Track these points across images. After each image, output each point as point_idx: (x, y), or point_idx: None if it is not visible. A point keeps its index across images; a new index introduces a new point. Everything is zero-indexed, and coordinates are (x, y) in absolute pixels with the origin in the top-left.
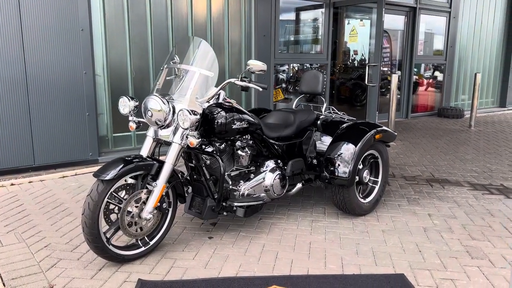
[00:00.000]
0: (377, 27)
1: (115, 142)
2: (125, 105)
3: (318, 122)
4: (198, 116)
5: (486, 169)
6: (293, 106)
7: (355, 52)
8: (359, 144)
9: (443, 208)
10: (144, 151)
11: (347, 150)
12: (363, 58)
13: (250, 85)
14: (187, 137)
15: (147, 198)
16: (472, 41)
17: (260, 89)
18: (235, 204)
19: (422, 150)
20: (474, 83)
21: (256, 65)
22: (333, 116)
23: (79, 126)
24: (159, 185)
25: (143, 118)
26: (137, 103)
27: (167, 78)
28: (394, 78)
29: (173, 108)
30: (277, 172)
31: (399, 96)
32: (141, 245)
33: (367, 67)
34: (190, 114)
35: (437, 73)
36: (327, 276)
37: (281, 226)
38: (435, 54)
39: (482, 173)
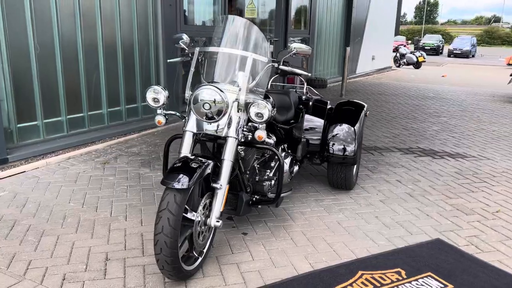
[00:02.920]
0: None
1: (20, 135)
2: (159, 95)
3: (310, 103)
4: (275, 108)
5: (391, 134)
6: (268, 87)
7: None
8: (357, 124)
9: (401, 173)
10: (186, 149)
11: (349, 129)
12: None
13: (296, 70)
14: (243, 130)
15: (210, 203)
16: (324, 19)
17: (307, 74)
18: (270, 195)
19: None
20: (344, 56)
21: (301, 48)
22: (312, 96)
23: None
24: (224, 186)
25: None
26: (168, 94)
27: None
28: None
29: None
30: (289, 157)
31: None
32: (197, 255)
33: (269, 42)
34: (271, 106)
35: None
36: (396, 251)
37: (295, 210)
38: (302, 29)
39: (394, 138)
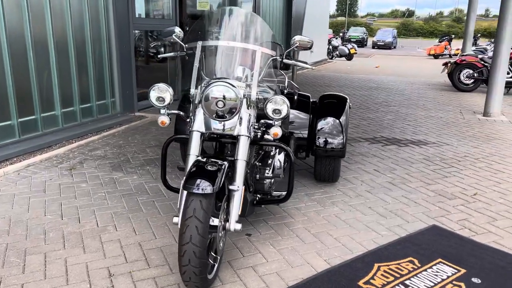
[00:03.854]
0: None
1: None
2: (165, 94)
3: (295, 97)
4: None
5: (351, 124)
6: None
7: None
8: (344, 116)
9: (376, 163)
10: (195, 150)
11: (336, 122)
12: None
13: (299, 63)
14: (254, 128)
15: (227, 206)
16: (267, 12)
17: (311, 67)
18: (274, 193)
19: None
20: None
21: (303, 41)
22: (295, 90)
23: None
24: (241, 187)
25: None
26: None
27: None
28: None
29: None
30: (283, 152)
31: None
32: (212, 262)
33: None
34: (288, 102)
35: None
36: (401, 240)
37: (290, 206)
38: None
39: (356, 129)
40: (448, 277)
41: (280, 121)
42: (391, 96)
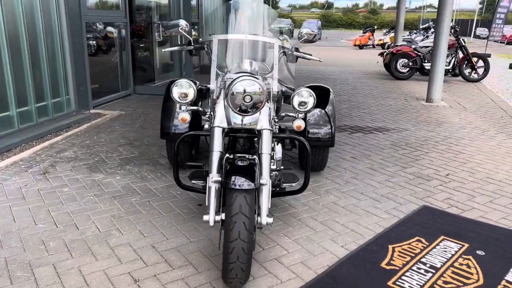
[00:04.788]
0: None
1: None
2: (189, 90)
3: (283, 89)
4: None
5: None
6: None
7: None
8: (331, 107)
9: (350, 150)
10: (219, 146)
11: (325, 113)
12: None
13: (307, 56)
14: (275, 121)
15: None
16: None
17: (318, 60)
18: (285, 185)
19: None
20: None
21: (310, 34)
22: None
23: None
24: (269, 181)
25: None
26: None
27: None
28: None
29: None
30: (280, 143)
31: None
32: None
33: None
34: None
35: None
36: (402, 222)
37: (288, 197)
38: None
39: None
40: (456, 252)
41: (303, 114)
42: (338, 86)
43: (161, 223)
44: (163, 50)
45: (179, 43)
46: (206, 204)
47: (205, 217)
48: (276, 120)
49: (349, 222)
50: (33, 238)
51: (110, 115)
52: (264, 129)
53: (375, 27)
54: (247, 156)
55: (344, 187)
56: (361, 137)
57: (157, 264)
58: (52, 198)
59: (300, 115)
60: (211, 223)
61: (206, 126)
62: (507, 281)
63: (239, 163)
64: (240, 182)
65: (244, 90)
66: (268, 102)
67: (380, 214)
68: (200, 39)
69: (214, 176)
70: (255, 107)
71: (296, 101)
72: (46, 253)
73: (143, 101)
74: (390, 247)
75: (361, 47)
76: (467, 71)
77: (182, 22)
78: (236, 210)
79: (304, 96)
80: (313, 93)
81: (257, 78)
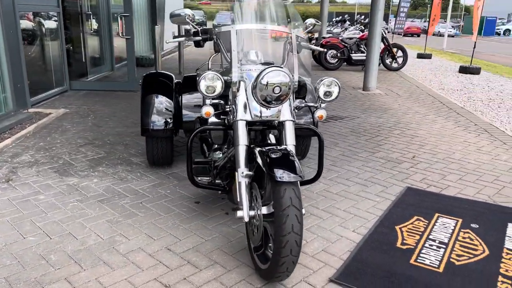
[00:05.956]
0: None
1: None
2: (216, 83)
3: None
4: None
5: None
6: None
7: None
8: (310, 96)
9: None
10: (245, 139)
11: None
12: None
13: (312, 46)
14: (295, 111)
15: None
16: None
17: (322, 50)
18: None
19: None
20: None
21: (317, 24)
22: None
23: None
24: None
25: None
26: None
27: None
28: (157, 30)
29: None
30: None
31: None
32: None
33: (119, 18)
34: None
35: None
36: (396, 203)
37: None
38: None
39: None
40: (455, 227)
41: (325, 104)
42: None
43: (166, 225)
44: (167, 41)
45: (177, 34)
46: (238, 200)
47: (239, 213)
48: (296, 111)
49: (349, 207)
50: (28, 253)
51: (55, 114)
52: (287, 120)
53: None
54: (278, 147)
55: (328, 174)
56: (321, 126)
57: (182, 267)
58: (29, 208)
59: (322, 105)
60: (246, 219)
61: (211, 120)
62: (507, 249)
63: (273, 155)
64: (287, 174)
65: (273, 82)
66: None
67: (373, 198)
68: (216, 30)
69: (244, 171)
70: (279, 99)
71: (322, 91)
72: (52, 268)
73: (83, 98)
74: (397, 228)
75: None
76: (388, 61)
77: (188, 11)
78: (288, 203)
79: (330, 86)
80: (338, 83)
81: (285, 69)
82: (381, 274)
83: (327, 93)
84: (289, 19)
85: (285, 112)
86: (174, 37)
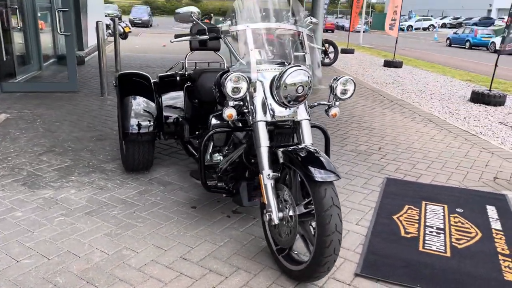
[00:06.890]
0: None
1: None
2: (242, 84)
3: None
4: None
5: None
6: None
7: None
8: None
9: None
10: (266, 141)
11: None
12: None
13: (314, 45)
14: (309, 109)
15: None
16: None
17: (320, 48)
18: None
19: None
20: (115, 29)
21: (316, 21)
22: None
23: None
24: None
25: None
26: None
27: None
28: (100, 25)
29: None
30: None
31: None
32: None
33: (57, 13)
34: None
35: None
36: (384, 194)
37: None
38: None
39: None
40: (444, 213)
41: (338, 102)
42: None
43: (170, 233)
44: (171, 40)
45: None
46: (265, 202)
47: (268, 216)
48: (309, 110)
49: (343, 201)
50: (29, 277)
51: None
52: (304, 119)
53: (212, 14)
54: (303, 146)
55: None
56: None
57: (206, 276)
58: (9, 227)
59: (336, 103)
60: (276, 221)
61: (214, 122)
62: (495, 229)
63: (303, 154)
64: (326, 174)
65: (296, 82)
66: None
67: (361, 190)
68: (231, 28)
69: (269, 173)
70: (297, 99)
71: (339, 89)
72: None
73: (21, 101)
74: (395, 218)
75: None
76: (321, 56)
77: (194, 9)
78: (330, 203)
79: (346, 84)
80: (354, 80)
81: (304, 68)
82: (398, 263)
83: (343, 91)
84: (294, 17)
85: (301, 111)
86: (176, 36)
